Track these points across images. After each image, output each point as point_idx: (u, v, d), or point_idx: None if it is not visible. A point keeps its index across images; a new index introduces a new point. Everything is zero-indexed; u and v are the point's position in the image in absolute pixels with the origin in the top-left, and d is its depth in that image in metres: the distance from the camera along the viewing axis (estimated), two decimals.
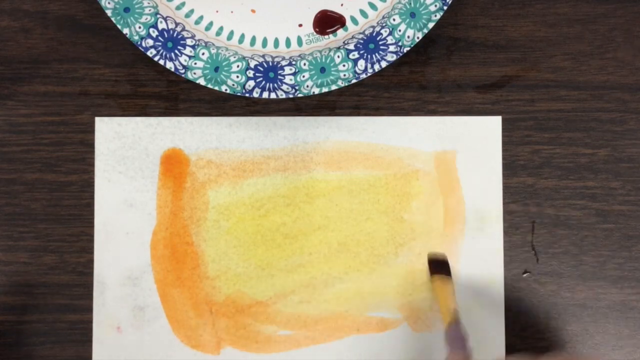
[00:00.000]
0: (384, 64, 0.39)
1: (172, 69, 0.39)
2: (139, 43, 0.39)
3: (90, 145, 0.42)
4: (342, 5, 0.41)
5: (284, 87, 0.39)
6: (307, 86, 0.39)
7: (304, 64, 0.40)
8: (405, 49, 0.39)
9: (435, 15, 0.39)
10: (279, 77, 0.40)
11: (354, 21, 0.41)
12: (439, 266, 0.41)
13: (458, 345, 0.36)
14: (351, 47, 0.40)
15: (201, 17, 0.41)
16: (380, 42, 0.40)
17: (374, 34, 0.40)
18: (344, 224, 0.42)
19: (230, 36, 0.41)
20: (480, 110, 0.42)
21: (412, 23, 0.39)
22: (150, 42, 0.39)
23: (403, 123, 0.42)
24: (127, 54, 0.42)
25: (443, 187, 0.42)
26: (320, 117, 0.42)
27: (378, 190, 0.42)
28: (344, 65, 0.40)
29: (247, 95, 0.39)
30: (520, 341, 0.41)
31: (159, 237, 0.41)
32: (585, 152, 0.42)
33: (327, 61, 0.40)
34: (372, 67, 0.39)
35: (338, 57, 0.40)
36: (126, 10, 0.39)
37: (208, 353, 0.41)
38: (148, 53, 0.39)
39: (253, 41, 0.41)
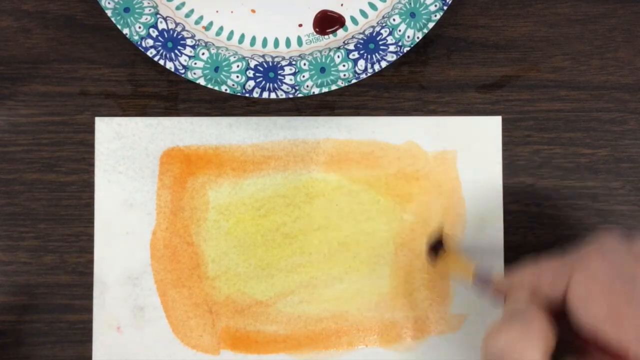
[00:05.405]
0: (384, 64, 0.39)
1: (172, 69, 0.39)
2: (139, 43, 0.39)
3: (90, 145, 0.42)
4: (342, 5, 0.41)
5: (284, 87, 0.39)
6: (307, 86, 0.39)
7: (304, 64, 0.40)
8: (405, 49, 0.39)
9: (435, 15, 0.39)
10: (279, 77, 0.40)
11: (354, 21, 0.41)
12: (436, 248, 0.41)
13: (487, 285, 0.34)
14: (351, 47, 0.40)
15: (201, 17, 0.41)
16: (380, 42, 0.40)
17: (374, 34, 0.40)
18: (344, 224, 0.42)
19: (230, 36, 0.41)
20: (480, 110, 0.42)
21: (412, 23, 0.39)
22: (150, 42, 0.39)
23: (403, 123, 0.42)
24: (127, 54, 0.42)
25: (443, 187, 0.42)
26: (320, 117, 0.42)
27: (378, 190, 0.42)
28: (344, 65, 0.40)
29: (247, 95, 0.39)
30: None
31: (159, 237, 0.41)
32: (585, 152, 0.42)
33: (327, 61, 0.40)
34: (372, 67, 0.39)
35: (338, 57, 0.40)
36: (126, 10, 0.39)
37: (208, 353, 0.41)
38: (148, 53, 0.39)
39: (253, 41, 0.41)
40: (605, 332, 0.26)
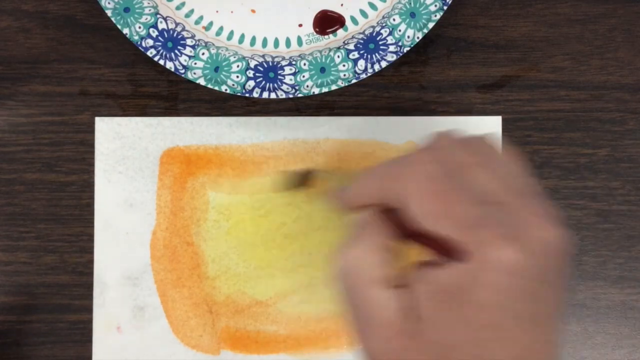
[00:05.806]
0: (384, 64, 0.39)
1: (172, 69, 0.39)
2: (139, 43, 0.39)
3: (90, 145, 0.42)
4: (342, 5, 0.41)
5: (284, 87, 0.39)
6: (307, 86, 0.39)
7: (304, 64, 0.40)
8: (405, 49, 0.39)
9: (435, 15, 0.39)
10: (279, 77, 0.40)
11: (354, 21, 0.41)
12: (296, 182, 0.40)
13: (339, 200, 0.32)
14: (351, 47, 0.40)
15: (201, 17, 0.41)
16: (380, 42, 0.40)
17: (374, 34, 0.40)
18: (344, 224, 0.42)
19: (230, 36, 0.41)
20: (480, 110, 0.42)
21: (412, 23, 0.39)
22: (150, 42, 0.39)
23: (403, 123, 0.42)
24: (127, 54, 0.42)
25: None
26: (320, 117, 0.42)
27: None
28: (344, 65, 0.40)
29: (247, 95, 0.39)
30: None
31: (159, 237, 0.41)
32: (585, 152, 0.42)
33: (327, 61, 0.40)
34: (372, 67, 0.39)
35: (338, 57, 0.40)
36: (126, 10, 0.39)
37: (208, 353, 0.41)
38: (148, 53, 0.39)
39: (253, 41, 0.41)
40: (441, 230, 0.25)
